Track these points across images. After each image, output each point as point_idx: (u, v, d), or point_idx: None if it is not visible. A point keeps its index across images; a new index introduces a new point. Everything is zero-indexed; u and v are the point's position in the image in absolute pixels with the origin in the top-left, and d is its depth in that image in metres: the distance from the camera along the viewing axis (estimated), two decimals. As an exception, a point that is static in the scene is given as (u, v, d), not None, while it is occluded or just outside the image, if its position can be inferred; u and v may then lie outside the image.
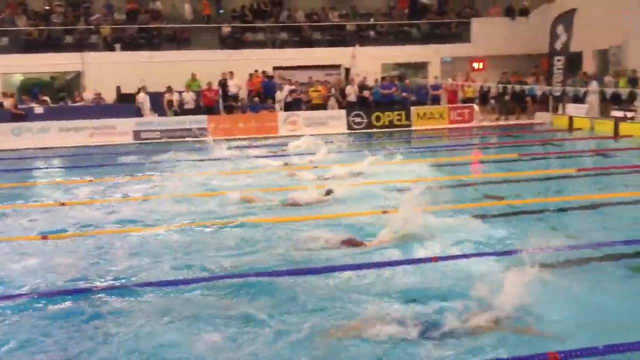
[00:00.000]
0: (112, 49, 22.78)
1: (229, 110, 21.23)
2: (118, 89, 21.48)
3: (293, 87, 21.32)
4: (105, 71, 21.23)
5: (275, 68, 22.94)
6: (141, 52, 22.51)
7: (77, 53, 21.89)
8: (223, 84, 21.45)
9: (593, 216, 7.96)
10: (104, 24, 23.41)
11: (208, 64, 21.24)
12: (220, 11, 25.58)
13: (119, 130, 19.30)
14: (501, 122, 21.14)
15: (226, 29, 24.08)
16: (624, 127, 16.71)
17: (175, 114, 20.41)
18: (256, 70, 21.92)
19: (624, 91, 17.83)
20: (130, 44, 23.05)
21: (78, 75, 22.29)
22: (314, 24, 24.68)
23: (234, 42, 23.86)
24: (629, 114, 17.17)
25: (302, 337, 4.27)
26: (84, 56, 21.85)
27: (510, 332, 4.24)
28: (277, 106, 20.81)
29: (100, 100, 20.73)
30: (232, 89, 21.40)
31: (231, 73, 21.31)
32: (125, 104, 20.72)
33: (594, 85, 18.94)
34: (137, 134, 19.39)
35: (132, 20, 23.82)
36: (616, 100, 18.15)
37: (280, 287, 5.31)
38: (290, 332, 4.33)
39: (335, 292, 5.12)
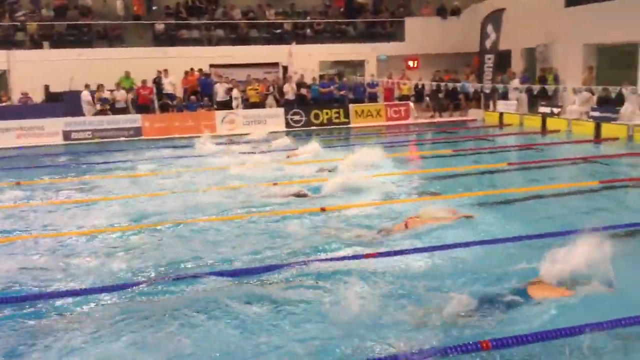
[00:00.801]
0: (40, 47, 21.78)
1: (164, 108, 20.76)
2: (46, 88, 20.54)
3: (230, 85, 21.08)
4: (32, 70, 20.24)
5: (211, 66, 22.61)
6: (70, 49, 21.62)
7: (2, 51, 20.77)
8: (157, 82, 20.95)
9: (526, 207, 8.31)
10: (31, 20, 22.36)
11: (142, 62, 20.64)
12: (154, 8, 24.96)
13: (48, 131, 18.48)
14: (436, 119, 21.68)
15: (160, 26, 23.53)
16: (551, 122, 17.52)
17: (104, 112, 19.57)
18: (192, 68, 21.53)
19: (550, 88, 18.73)
20: (59, 42, 22.08)
21: (4, 74, 21.16)
22: (251, 21, 24.49)
23: (169, 39, 23.35)
24: (555, 110, 18.01)
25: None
26: (9, 54, 20.74)
27: None
28: (234, 104, 20.50)
29: (27, 100, 19.77)
30: (167, 87, 20.89)
31: (166, 71, 20.82)
32: (54, 104, 19.82)
33: (516, 83, 19.77)
34: (67, 135, 18.63)
35: (60, 17, 22.84)
36: (543, 96, 19.03)
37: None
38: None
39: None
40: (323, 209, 7.94)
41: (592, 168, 11.33)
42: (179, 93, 21.24)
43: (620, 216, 7.54)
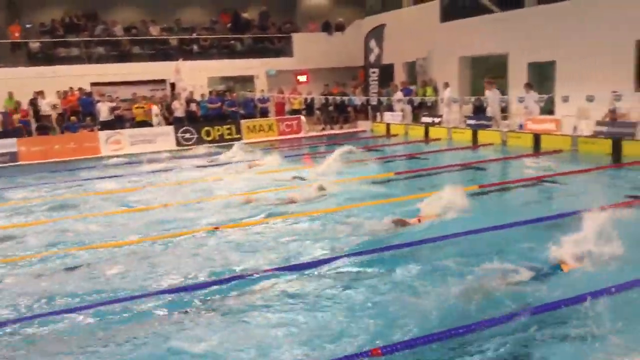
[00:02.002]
0: None
1: (43, 131, 19.48)
2: None
3: (114, 104, 20.23)
4: None
5: (93, 84, 21.59)
6: None
7: None
8: (34, 104, 19.65)
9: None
10: None
11: (15, 82, 19.34)
12: (27, 26, 23.43)
13: None
14: (327, 132, 22.12)
15: (34, 44, 22.14)
16: (433, 132, 18.47)
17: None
18: (71, 88, 20.43)
19: (429, 99, 19.77)
20: None
21: None
22: (134, 37, 23.69)
23: (45, 58, 22.00)
24: (436, 120, 19.02)
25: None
26: None
27: None
28: (155, 121, 20.04)
29: None
30: (44, 108, 19.66)
31: (42, 92, 19.59)
32: None
33: (399, 95, 20.69)
34: None
35: None
36: (426, 107, 20.04)
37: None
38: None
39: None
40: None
41: (472, 173, 12.06)
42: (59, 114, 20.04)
43: (498, 219, 7.98)
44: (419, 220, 7.57)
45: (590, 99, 13.87)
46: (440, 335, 4.46)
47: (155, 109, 20.50)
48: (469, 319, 4.71)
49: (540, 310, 4.84)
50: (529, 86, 16.19)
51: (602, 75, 14.93)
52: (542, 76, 17.69)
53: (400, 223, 7.46)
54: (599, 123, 14.03)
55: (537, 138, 14.98)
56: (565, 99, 14.71)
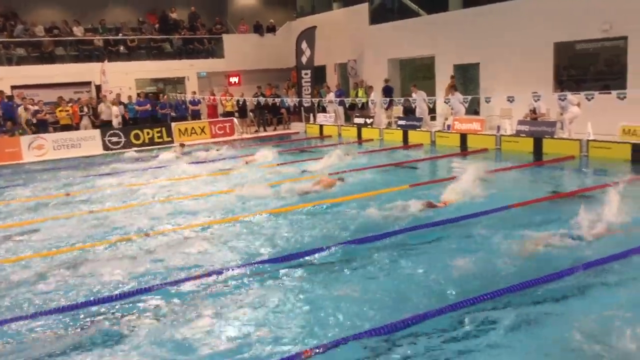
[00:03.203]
0: None
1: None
2: None
3: (36, 107, 19.35)
4: None
5: (13, 87, 20.56)
6: None
7: None
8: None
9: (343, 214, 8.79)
10: None
11: None
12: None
13: None
14: (261, 134, 22.06)
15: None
16: (365, 132, 18.79)
17: None
18: (-11, 90, 19.39)
19: (359, 101, 20.07)
20: None
21: None
22: (56, 38, 22.74)
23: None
24: (368, 121, 19.35)
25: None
26: None
27: None
28: (115, 122, 19.63)
29: None
30: (-41, 112, 18.57)
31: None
32: None
33: (331, 96, 20.94)
34: None
35: None
36: (359, 108, 20.34)
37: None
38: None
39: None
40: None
41: (404, 172, 12.35)
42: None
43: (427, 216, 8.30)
44: (445, 204, 8.74)
45: (510, 99, 14.50)
46: (512, 288, 5.42)
47: (84, 109, 19.91)
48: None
49: (591, 265, 5.94)
50: (453, 88, 16.75)
51: (523, 76, 15.69)
52: (467, 77, 18.37)
53: (430, 206, 8.64)
54: (520, 122, 14.72)
55: (463, 138, 15.54)
56: (488, 100, 15.34)
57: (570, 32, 15.07)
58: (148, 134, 19.97)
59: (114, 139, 19.38)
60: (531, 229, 7.21)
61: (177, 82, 24.71)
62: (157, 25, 25.25)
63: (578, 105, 13.64)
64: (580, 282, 5.62)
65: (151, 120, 20.85)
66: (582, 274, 5.75)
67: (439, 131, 16.64)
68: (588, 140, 12.90)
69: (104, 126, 19.75)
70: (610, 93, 12.73)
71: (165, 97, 22.26)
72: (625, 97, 12.21)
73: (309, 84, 21.83)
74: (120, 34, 24.19)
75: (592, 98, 12.73)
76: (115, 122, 20.08)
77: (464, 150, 15.13)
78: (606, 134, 12.96)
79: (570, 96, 13.62)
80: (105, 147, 19.13)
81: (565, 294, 5.40)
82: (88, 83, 22.20)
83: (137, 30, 24.97)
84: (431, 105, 17.43)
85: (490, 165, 12.10)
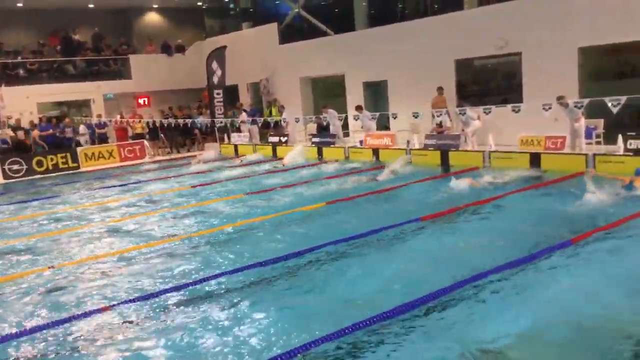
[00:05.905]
0: None
1: None
2: None
3: None
4: None
5: None
6: None
7: None
8: None
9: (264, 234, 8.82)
10: None
11: None
12: None
13: None
14: (173, 156, 21.60)
15: None
16: (280, 150, 18.88)
17: None
18: None
19: (271, 120, 20.19)
20: None
21: None
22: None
23: None
24: (283, 139, 19.47)
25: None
26: None
27: None
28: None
29: None
30: None
31: None
32: None
33: (243, 116, 20.92)
34: None
35: None
36: (272, 127, 20.44)
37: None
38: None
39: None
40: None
41: (322, 188, 12.52)
42: None
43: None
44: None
45: (415, 115, 15.08)
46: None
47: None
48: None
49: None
50: (359, 108, 17.22)
51: (428, 92, 16.44)
52: (376, 94, 18.99)
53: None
54: (427, 137, 15.39)
55: (376, 152, 16.01)
56: (395, 116, 15.93)
57: (469, 49, 16.00)
58: (52, 160, 19.00)
59: (15, 167, 18.26)
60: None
61: (83, 105, 23.76)
62: (58, 47, 24.22)
63: (479, 118, 14.49)
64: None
65: (53, 146, 19.86)
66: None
67: (352, 147, 17.04)
68: (490, 152, 13.67)
69: (3, 153, 18.60)
70: (506, 106, 13.56)
71: (69, 120, 21.30)
72: (519, 111, 12.91)
73: (221, 103, 21.68)
74: (19, 57, 22.97)
75: (490, 112, 13.53)
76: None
77: (376, 164, 15.54)
78: (508, 144, 13.80)
79: (469, 111, 14.42)
80: (5, 176, 17.99)
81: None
82: (-16, 108, 20.85)
83: (37, 53, 23.82)
84: (341, 122, 17.74)
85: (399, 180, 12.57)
